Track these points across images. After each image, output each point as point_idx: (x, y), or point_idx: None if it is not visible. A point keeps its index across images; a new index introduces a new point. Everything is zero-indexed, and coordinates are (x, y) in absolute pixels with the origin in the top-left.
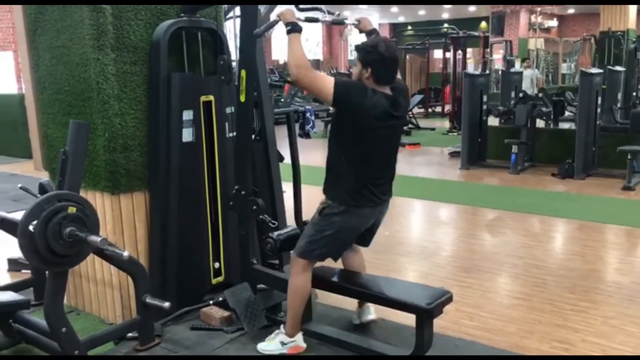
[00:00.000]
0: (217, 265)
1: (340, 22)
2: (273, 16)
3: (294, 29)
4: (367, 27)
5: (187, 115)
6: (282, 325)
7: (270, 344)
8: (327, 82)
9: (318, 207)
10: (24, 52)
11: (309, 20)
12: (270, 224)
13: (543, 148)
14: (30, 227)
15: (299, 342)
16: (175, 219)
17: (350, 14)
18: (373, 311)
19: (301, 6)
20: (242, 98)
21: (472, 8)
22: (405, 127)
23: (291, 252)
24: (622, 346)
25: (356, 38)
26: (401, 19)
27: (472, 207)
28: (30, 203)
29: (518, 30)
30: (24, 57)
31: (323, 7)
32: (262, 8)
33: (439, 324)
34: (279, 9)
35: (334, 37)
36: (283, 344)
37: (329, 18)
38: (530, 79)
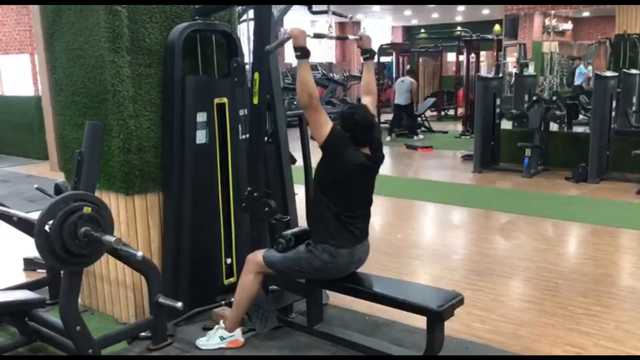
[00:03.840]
0: (229, 260)
1: (344, 38)
2: (286, 24)
3: (303, 54)
4: (364, 45)
5: (201, 117)
6: (221, 321)
7: (211, 339)
8: (327, 123)
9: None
10: (41, 55)
11: (317, 36)
12: (282, 219)
13: (556, 152)
14: (47, 227)
15: (237, 336)
16: (188, 220)
17: (364, 17)
18: None
19: (314, 9)
20: (255, 100)
21: (485, 11)
22: (418, 130)
23: (256, 252)
24: (635, 351)
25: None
26: (414, 22)
27: (485, 211)
28: (47, 203)
29: (532, 33)
30: (42, 60)
31: (333, 9)
32: (275, 11)
33: (451, 327)
34: (292, 26)
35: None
36: (222, 338)
37: (334, 34)
38: None
